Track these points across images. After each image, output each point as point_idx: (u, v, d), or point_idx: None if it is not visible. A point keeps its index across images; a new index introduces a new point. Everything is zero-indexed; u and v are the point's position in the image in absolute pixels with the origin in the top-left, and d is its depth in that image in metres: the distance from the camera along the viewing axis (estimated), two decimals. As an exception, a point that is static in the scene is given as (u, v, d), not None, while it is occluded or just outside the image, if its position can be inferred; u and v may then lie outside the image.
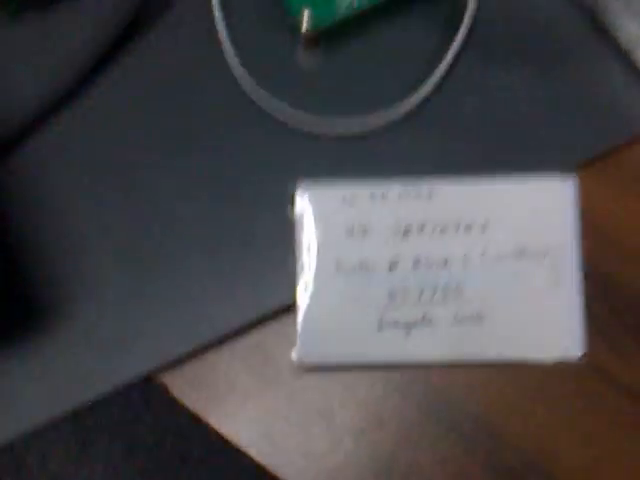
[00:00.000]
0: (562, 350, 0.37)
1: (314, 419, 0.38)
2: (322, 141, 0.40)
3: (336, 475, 0.38)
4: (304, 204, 0.39)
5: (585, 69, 0.39)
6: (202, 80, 0.40)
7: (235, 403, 0.38)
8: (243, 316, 0.39)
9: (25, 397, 0.38)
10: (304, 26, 0.39)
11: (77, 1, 0.41)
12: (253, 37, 0.41)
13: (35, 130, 0.40)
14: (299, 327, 0.38)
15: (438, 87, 0.39)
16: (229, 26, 0.40)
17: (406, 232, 0.39)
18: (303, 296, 0.38)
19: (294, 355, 0.38)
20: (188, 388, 0.39)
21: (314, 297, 0.38)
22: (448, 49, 0.40)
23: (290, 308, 0.37)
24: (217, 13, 0.40)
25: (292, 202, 0.39)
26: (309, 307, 0.38)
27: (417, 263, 0.39)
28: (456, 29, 0.40)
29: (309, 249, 0.39)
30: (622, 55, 0.38)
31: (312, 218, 0.39)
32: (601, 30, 0.39)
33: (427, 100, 0.38)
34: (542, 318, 0.37)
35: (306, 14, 0.39)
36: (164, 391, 0.38)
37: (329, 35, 0.40)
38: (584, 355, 0.36)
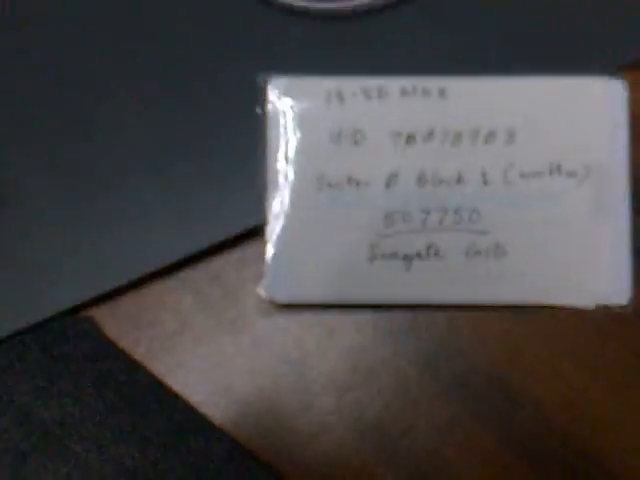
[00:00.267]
0: (603, 294, 0.31)
1: (284, 370, 0.30)
2: (304, 20, 0.32)
3: (311, 441, 0.30)
4: (278, 100, 0.31)
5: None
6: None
7: (185, 348, 0.31)
8: (197, 241, 0.32)
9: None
10: None
11: None
12: None
13: None
14: (268, 256, 0.31)
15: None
16: None
17: (409, 140, 0.31)
18: (274, 218, 0.30)
19: (261, 290, 0.30)
20: (127, 327, 0.31)
21: (288, 219, 0.31)
22: None
23: (258, 232, 0.31)
24: None
25: (262, 97, 0.30)
26: (282, 231, 0.30)
27: (422, 179, 0.31)
28: None
29: (283, 158, 0.31)
30: None
31: (288, 118, 0.31)
32: None
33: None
34: (579, 254, 0.31)
35: None
36: (95, 329, 0.31)
37: None
38: (631, 301, 0.30)
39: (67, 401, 0.31)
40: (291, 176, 0.31)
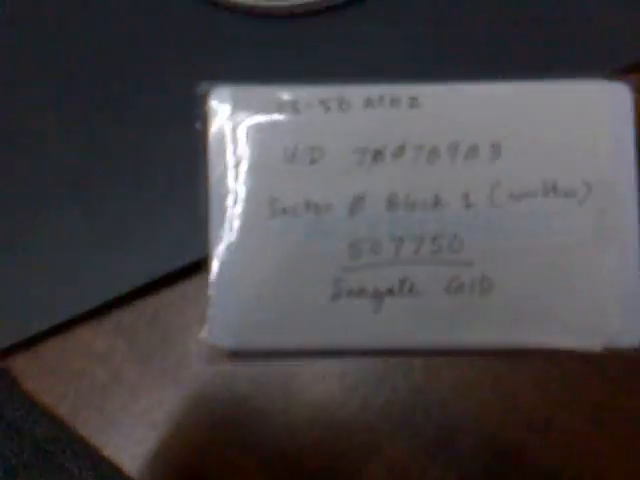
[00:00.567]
0: (610, 335, 0.26)
1: (232, 431, 0.26)
2: (251, 20, 0.28)
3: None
4: (221, 113, 0.27)
5: None
6: None
7: (117, 403, 0.27)
8: (131, 278, 0.28)
9: None
10: None
11: None
12: None
13: None
14: (212, 294, 0.27)
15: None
16: None
17: (377, 157, 0.27)
18: (219, 250, 0.26)
19: (205, 335, 0.26)
20: (50, 379, 0.27)
21: (235, 251, 0.27)
22: None
23: (200, 267, 0.27)
24: None
25: (203, 110, 0.27)
26: (227, 266, 0.27)
27: (393, 202, 0.27)
28: None
29: (228, 181, 0.27)
30: None
31: (233, 134, 0.27)
32: None
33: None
34: (580, 287, 0.27)
35: None
36: (11, 382, 0.26)
37: None
38: None
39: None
40: (238, 201, 0.27)
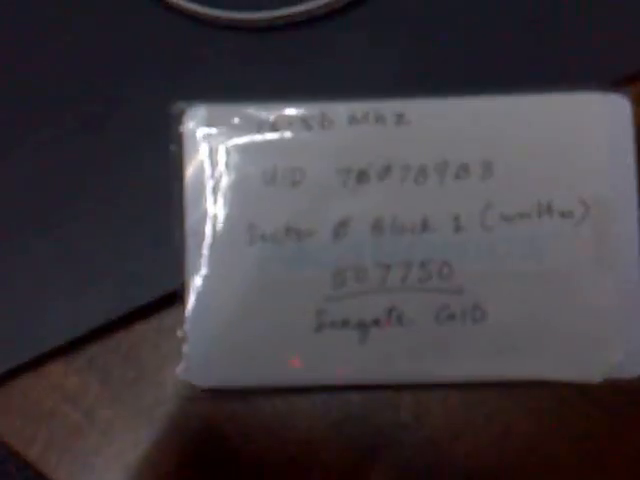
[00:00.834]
0: (611, 366, 0.25)
1: (213, 471, 0.24)
2: (228, 34, 0.27)
3: None
4: (197, 133, 0.26)
5: None
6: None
7: (90, 445, 0.26)
8: (104, 311, 0.27)
9: None
10: None
11: None
12: None
13: None
14: (188, 328, 0.25)
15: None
16: None
17: (361, 178, 0.26)
18: (195, 280, 0.25)
19: (180, 372, 0.25)
20: (18, 420, 0.26)
21: (212, 281, 0.26)
22: None
23: (176, 298, 0.26)
24: None
25: (178, 131, 0.26)
26: (204, 297, 0.26)
27: (378, 226, 0.26)
28: None
29: (205, 206, 0.26)
30: None
31: (210, 156, 0.26)
32: None
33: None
34: (579, 315, 0.25)
35: None
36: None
37: None
38: None
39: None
40: (215, 228, 0.26)
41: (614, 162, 0.26)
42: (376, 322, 0.25)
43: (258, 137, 0.26)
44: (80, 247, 0.26)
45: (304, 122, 0.26)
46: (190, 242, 0.26)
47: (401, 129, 0.26)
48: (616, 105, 0.26)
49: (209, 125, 0.26)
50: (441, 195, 0.26)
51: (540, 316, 0.25)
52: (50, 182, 0.27)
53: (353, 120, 0.26)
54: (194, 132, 0.26)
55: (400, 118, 0.26)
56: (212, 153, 0.26)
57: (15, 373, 0.26)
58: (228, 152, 0.26)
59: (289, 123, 0.26)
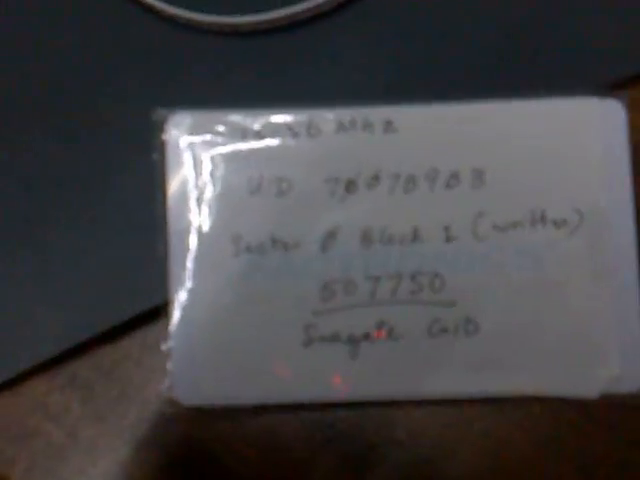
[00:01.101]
0: (608, 380, 0.25)
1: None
2: (212, 38, 0.27)
3: None
4: (180, 141, 0.26)
5: None
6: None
7: (73, 465, 0.26)
8: (86, 327, 0.26)
9: None
10: None
11: None
12: None
13: None
14: (172, 345, 0.25)
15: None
16: None
17: (349, 187, 0.26)
18: (178, 294, 0.25)
19: (165, 389, 0.24)
20: None
21: (196, 295, 0.26)
22: None
23: (159, 313, 0.25)
24: None
25: (160, 139, 0.26)
26: (188, 311, 0.25)
27: (367, 237, 0.26)
28: None
29: (189, 218, 0.25)
30: None
31: (193, 165, 0.25)
32: None
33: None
34: (574, 327, 0.25)
35: None
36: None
37: None
38: None
39: None
40: (199, 239, 0.25)
41: (609, 169, 0.25)
42: (366, 336, 0.25)
43: (243, 145, 0.26)
44: (61, 261, 0.26)
45: (290, 130, 0.26)
46: (174, 254, 0.25)
47: (390, 137, 0.26)
48: (611, 110, 0.26)
49: (193, 133, 0.26)
50: (431, 204, 0.25)
51: (534, 329, 0.25)
52: (29, 193, 0.26)
53: (341, 128, 0.26)
54: (177, 140, 0.26)
55: (389, 125, 0.26)
56: (196, 162, 0.26)
57: (-6, 392, 0.26)
58: (212, 161, 0.26)
59: (275, 131, 0.26)
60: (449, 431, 0.25)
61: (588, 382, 0.25)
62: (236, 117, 0.26)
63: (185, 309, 0.25)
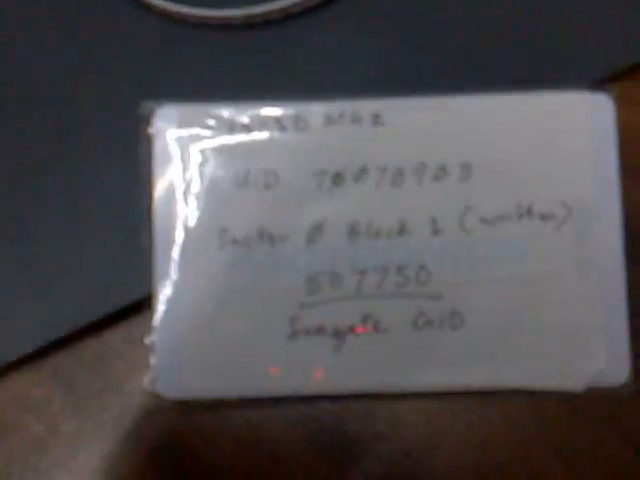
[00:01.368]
0: (593, 373, 0.25)
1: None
2: (199, 32, 0.27)
3: None
4: (166, 134, 0.26)
5: None
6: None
7: (54, 459, 0.26)
8: (68, 320, 0.26)
9: None
10: None
11: None
12: None
13: None
14: (156, 338, 0.25)
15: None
16: None
17: (336, 180, 0.26)
18: (162, 287, 0.25)
19: (147, 383, 0.24)
20: None
21: (181, 287, 0.26)
22: None
23: (143, 306, 0.25)
24: None
25: (146, 131, 0.26)
26: (172, 304, 0.26)
27: (354, 229, 0.26)
28: None
29: (175, 211, 0.26)
30: None
31: (180, 158, 0.25)
32: None
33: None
34: (560, 321, 0.25)
35: None
36: None
37: None
38: (629, 380, 0.25)
39: None
40: (185, 232, 0.26)
41: (597, 163, 0.26)
42: (352, 329, 0.25)
43: (230, 138, 0.26)
44: (44, 254, 0.26)
45: (278, 123, 0.26)
46: (159, 247, 0.25)
47: (377, 130, 0.26)
48: (599, 105, 0.26)
49: (179, 126, 0.26)
50: (419, 197, 0.26)
51: (519, 322, 0.25)
52: (12, 186, 0.27)
53: (328, 121, 0.26)
54: (163, 133, 0.26)
55: (377, 118, 0.26)
56: (182, 155, 0.26)
57: (-26, 385, 0.26)
58: (199, 154, 0.26)
59: (262, 124, 0.26)
60: (433, 425, 0.25)
61: (574, 375, 0.25)
62: (224, 110, 0.26)
63: (169, 302, 0.25)
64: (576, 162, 0.26)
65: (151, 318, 0.25)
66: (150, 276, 0.25)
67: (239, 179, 0.26)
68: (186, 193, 0.26)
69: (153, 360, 0.25)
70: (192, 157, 0.26)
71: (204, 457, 0.25)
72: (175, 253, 0.25)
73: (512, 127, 0.26)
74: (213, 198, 0.26)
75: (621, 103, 0.25)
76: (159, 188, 0.26)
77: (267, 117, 0.26)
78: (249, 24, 0.27)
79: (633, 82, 0.27)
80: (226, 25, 0.27)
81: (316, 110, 0.26)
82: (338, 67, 0.27)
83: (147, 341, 0.25)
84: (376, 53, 0.27)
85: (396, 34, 0.27)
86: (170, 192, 0.26)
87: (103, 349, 0.26)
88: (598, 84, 0.26)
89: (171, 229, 0.26)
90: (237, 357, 0.25)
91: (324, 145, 0.26)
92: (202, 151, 0.26)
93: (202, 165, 0.26)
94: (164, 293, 0.25)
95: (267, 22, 0.28)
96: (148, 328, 0.25)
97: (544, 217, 0.25)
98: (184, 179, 0.26)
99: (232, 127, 0.26)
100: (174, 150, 0.26)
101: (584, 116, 0.26)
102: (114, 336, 0.26)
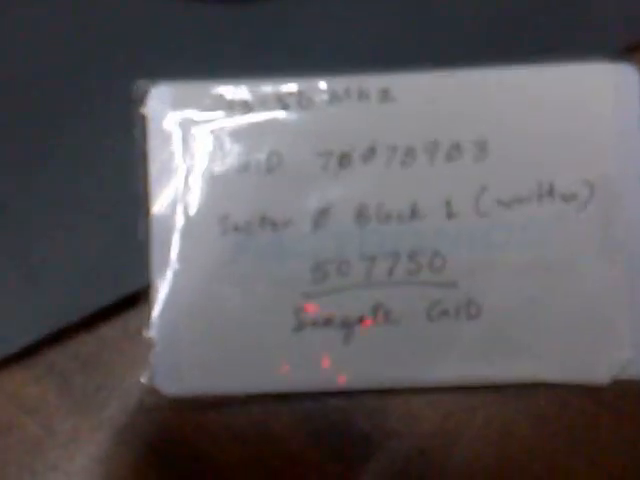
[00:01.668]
0: (620, 365, 0.24)
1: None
2: (195, 8, 0.26)
3: None
4: (163, 115, 0.25)
5: None
6: None
7: (51, 460, 0.25)
8: (62, 314, 0.25)
9: None
10: None
11: None
12: None
13: None
14: (155, 332, 0.24)
15: None
16: None
17: (343, 161, 0.25)
18: (161, 277, 0.24)
19: (146, 378, 0.24)
20: None
21: (180, 278, 0.25)
22: None
23: (141, 298, 0.25)
24: None
25: (141, 112, 0.25)
26: (171, 295, 0.25)
27: (363, 213, 0.25)
28: None
29: (172, 197, 0.25)
30: None
31: (177, 141, 0.25)
32: None
33: None
34: (584, 309, 0.24)
35: None
36: None
37: None
38: None
39: None
40: (183, 219, 0.25)
41: (622, 139, 0.24)
42: (361, 320, 0.24)
43: (229, 119, 0.25)
44: (36, 245, 0.25)
45: (280, 101, 0.25)
46: (156, 236, 0.24)
47: (386, 106, 0.25)
48: (624, 76, 0.25)
49: (175, 106, 0.25)
50: (431, 178, 0.24)
51: (541, 311, 0.24)
52: (3, 174, 0.26)
53: (334, 97, 0.25)
54: (159, 114, 0.25)
55: (385, 94, 0.25)
56: (179, 137, 0.25)
57: (-35, 384, 0.25)
58: (196, 136, 0.25)
59: (263, 103, 0.25)
60: (449, 421, 0.24)
61: (598, 367, 0.24)
62: (222, 89, 0.25)
63: (168, 294, 0.24)
64: (599, 138, 0.24)
65: (149, 311, 0.24)
66: (147, 266, 0.24)
67: (240, 162, 0.25)
68: (183, 178, 0.25)
69: (151, 356, 0.24)
70: (189, 139, 0.25)
71: (206, 456, 0.24)
72: (173, 241, 0.24)
73: (530, 102, 0.25)
74: (212, 182, 0.25)
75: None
76: (155, 173, 0.25)
77: (268, 95, 0.25)
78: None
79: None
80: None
81: (320, 86, 0.25)
82: (343, 40, 0.26)
83: (145, 335, 0.24)
84: (384, 24, 0.26)
85: (406, 3, 0.26)
86: (166, 177, 0.25)
87: (99, 345, 0.25)
88: (622, 54, 0.25)
89: (169, 216, 0.25)
90: (239, 351, 0.24)
91: (329, 124, 0.25)
92: (199, 132, 0.25)
93: (200, 147, 0.25)
94: (162, 284, 0.24)
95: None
96: (146, 321, 0.24)
97: (566, 198, 0.24)
98: (181, 163, 0.25)
99: (231, 107, 0.25)
100: (170, 132, 0.25)
101: (607, 88, 0.25)
102: (110, 331, 0.25)
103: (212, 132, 0.25)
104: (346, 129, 0.25)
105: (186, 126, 0.25)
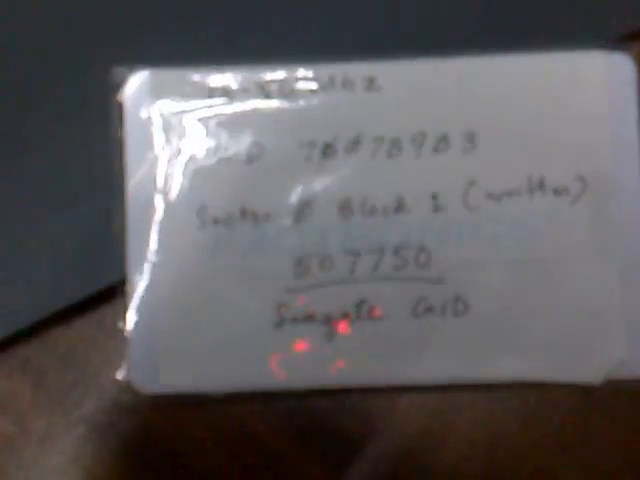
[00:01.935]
0: (613, 364, 0.24)
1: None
2: None
3: None
4: (140, 102, 0.25)
5: None
6: None
7: (25, 458, 0.24)
8: (36, 307, 0.25)
9: None
10: None
11: None
12: None
13: None
14: (131, 327, 0.24)
15: None
16: None
17: (327, 152, 0.25)
18: (137, 271, 0.24)
19: (122, 375, 0.23)
20: None
21: (157, 272, 0.24)
22: None
23: (116, 293, 0.24)
24: None
25: (119, 99, 0.25)
26: (148, 292, 0.24)
27: (346, 206, 0.24)
28: None
29: (149, 187, 0.24)
30: None
31: (155, 128, 0.24)
32: None
33: None
34: (576, 306, 0.24)
35: None
36: None
37: None
38: None
39: None
40: (160, 210, 0.24)
41: (616, 131, 0.24)
42: (345, 316, 0.24)
43: (210, 107, 0.24)
44: (8, 236, 0.24)
45: (262, 89, 0.24)
46: (133, 228, 0.24)
47: (372, 95, 0.24)
48: (618, 65, 0.24)
49: (154, 94, 0.24)
50: (418, 171, 0.24)
51: (531, 308, 0.23)
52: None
53: (317, 86, 0.24)
54: (137, 102, 0.24)
55: (371, 83, 0.24)
56: (157, 126, 0.24)
57: None
58: (176, 124, 0.24)
59: (245, 91, 0.24)
60: (436, 421, 0.24)
61: (591, 367, 0.23)
62: (202, 76, 0.24)
63: (145, 287, 0.24)
64: (593, 130, 0.24)
65: (125, 305, 0.23)
66: (124, 259, 0.24)
67: (219, 152, 0.24)
68: (162, 168, 0.24)
69: (128, 351, 0.23)
70: (168, 128, 0.24)
71: (185, 457, 0.24)
72: (151, 234, 0.24)
73: (521, 91, 0.24)
74: (191, 173, 0.24)
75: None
76: (131, 162, 0.24)
77: (250, 83, 0.24)
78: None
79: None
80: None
81: (303, 74, 0.24)
82: (328, 27, 0.25)
83: (121, 330, 0.23)
84: (370, 11, 0.25)
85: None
86: (144, 167, 0.24)
87: (74, 340, 0.24)
88: (617, 42, 0.24)
89: (146, 208, 0.24)
90: (218, 348, 0.24)
91: (313, 113, 0.24)
92: (179, 121, 0.24)
93: (179, 136, 0.24)
94: (139, 278, 0.24)
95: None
96: (122, 316, 0.23)
97: (557, 192, 0.24)
98: (160, 152, 0.24)
99: (212, 94, 0.24)
100: (148, 120, 0.24)
101: (601, 78, 0.24)
102: (86, 325, 0.24)
103: (192, 121, 0.24)
104: (330, 119, 0.24)
105: (165, 114, 0.24)
